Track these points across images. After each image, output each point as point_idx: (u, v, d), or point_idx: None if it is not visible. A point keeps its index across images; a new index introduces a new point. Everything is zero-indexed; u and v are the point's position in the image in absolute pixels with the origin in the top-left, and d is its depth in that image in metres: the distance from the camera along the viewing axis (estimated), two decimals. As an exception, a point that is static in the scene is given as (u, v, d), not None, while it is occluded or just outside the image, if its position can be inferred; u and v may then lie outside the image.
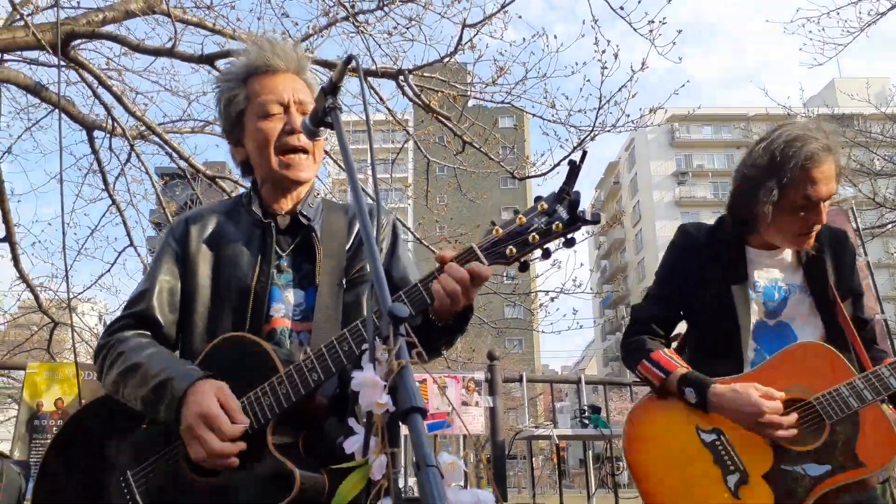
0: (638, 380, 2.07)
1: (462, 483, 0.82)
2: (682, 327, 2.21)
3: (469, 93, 5.37)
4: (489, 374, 5.33)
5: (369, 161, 1.26)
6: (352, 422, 0.93)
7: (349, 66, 1.41)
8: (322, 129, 1.46)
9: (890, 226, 11.17)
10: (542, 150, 6.69)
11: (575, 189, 1.35)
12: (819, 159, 1.86)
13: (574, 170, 1.35)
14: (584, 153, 1.40)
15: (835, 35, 8.95)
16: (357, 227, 1.72)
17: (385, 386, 0.85)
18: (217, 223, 1.70)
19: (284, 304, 1.61)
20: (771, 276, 2.03)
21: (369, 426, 0.88)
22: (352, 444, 0.90)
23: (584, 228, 1.42)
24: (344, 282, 1.62)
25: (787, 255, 2.06)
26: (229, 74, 1.73)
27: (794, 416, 1.79)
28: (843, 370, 1.83)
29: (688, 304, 2.10)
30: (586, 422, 5.04)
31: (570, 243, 1.38)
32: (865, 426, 1.79)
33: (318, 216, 1.71)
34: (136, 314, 1.61)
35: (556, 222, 1.34)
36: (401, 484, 0.86)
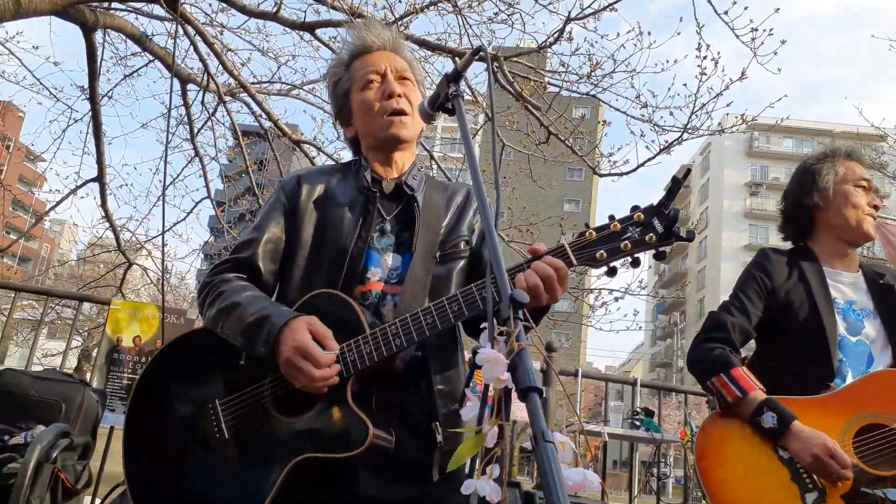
0: (692, 389, 2.14)
1: (571, 461, 0.87)
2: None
3: (561, 84, 5.35)
4: (545, 364, 5.34)
5: (492, 151, 1.32)
6: (468, 391, 1.00)
7: (476, 57, 1.47)
8: (438, 113, 1.53)
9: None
10: (617, 145, 6.51)
11: (674, 206, 1.37)
12: (853, 150, 2.28)
13: (676, 185, 1.36)
14: (689, 171, 1.43)
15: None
16: (455, 203, 1.80)
17: (506, 363, 0.92)
18: (326, 185, 1.79)
19: (382, 267, 1.68)
20: (846, 296, 2.16)
21: (485, 398, 0.95)
22: (468, 412, 0.97)
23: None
24: (438, 255, 1.69)
25: (860, 279, 2.20)
26: (336, 62, 1.89)
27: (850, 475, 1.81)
28: None
29: (770, 319, 2.17)
30: (638, 423, 5.03)
31: (660, 256, 1.41)
32: None
33: (421, 188, 1.78)
34: (241, 260, 1.72)
35: (651, 234, 1.36)
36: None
